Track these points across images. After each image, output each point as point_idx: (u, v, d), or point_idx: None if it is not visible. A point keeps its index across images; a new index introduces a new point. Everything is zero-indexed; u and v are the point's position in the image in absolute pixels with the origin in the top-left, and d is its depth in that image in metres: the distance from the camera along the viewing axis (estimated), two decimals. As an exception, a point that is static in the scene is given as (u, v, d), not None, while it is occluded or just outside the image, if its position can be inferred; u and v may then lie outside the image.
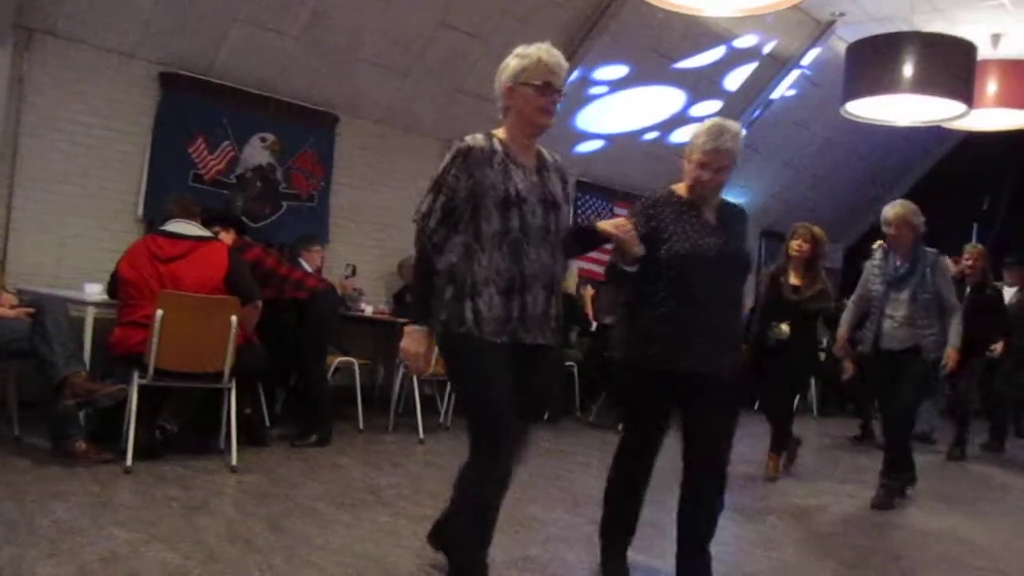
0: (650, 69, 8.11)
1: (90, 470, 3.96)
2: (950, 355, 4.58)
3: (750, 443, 5.60)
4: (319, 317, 5.26)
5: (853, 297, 5.02)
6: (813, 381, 8.73)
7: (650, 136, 8.99)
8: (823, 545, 3.91)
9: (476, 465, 2.52)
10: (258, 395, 5.12)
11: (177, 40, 5.97)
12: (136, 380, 4.10)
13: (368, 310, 6.51)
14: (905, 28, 7.66)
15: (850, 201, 11.58)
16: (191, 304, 4.18)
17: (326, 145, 6.96)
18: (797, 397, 6.92)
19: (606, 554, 3.06)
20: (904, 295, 4.59)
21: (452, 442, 5.70)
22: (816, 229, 5.26)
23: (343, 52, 6.63)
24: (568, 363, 7.22)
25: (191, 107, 6.14)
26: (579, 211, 8.83)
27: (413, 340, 2.58)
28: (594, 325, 7.66)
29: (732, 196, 2.99)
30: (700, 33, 7.97)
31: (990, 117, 8.02)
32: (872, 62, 7.17)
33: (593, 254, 6.12)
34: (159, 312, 4.04)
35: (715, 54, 8.39)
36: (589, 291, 7.99)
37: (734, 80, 8.84)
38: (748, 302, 6.83)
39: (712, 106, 8.98)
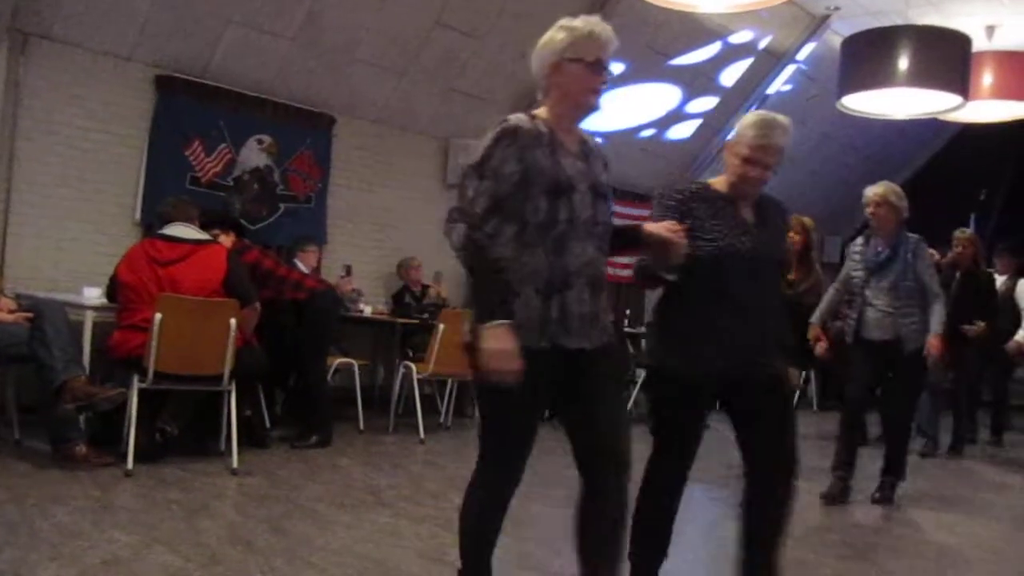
0: (646, 66, 8.10)
1: (90, 473, 3.96)
2: (932, 343, 4.44)
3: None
4: (319, 318, 5.26)
5: (835, 282, 4.93)
6: (812, 375, 8.73)
7: (647, 133, 8.99)
8: (822, 540, 3.91)
9: (480, 478, 2.36)
10: (258, 397, 5.12)
11: (173, 43, 5.96)
12: (136, 383, 4.11)
13: (367, 311, 6.51)
14: (900, 21, 7.66)
15: (847, 195, 11.52)
16: (190, 307, 4.19)
17: (323, 146, 6.96)
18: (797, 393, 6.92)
19: None
20: (885, 283, 4.50)
21: (453, 442, 5.71)
22: (806, 219, 5.24)
23: (339, 53, 6.63)
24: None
25: (187, 110, 6.14)
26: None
27: (497, 338, 2.14)
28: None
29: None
30: (695, 29, 7.97)
31: (986, 109, 8.02)
32: (867, 56, 7.18)
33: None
34: (158, 315, 4.04)
35: (711, 50, 8.38)
36: None
37: (730, 76, 8.84)
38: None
39: (708, 102, 8.99)
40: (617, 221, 2.47)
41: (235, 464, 4.26)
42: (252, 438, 4.85)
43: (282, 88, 6.62)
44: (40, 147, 5.59)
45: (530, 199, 2.22)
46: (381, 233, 7.43)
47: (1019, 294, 6.94)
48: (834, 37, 8.38)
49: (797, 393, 5.25)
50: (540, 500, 4.13)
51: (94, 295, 4.78)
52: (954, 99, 7.19)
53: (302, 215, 6.85)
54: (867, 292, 4.57)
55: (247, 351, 4.49)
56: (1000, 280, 7.00)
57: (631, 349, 7.55)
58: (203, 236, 4.56)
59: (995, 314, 6.54)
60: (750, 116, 2.68)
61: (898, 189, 4.54)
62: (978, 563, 3.74)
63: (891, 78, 7.04)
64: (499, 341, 2.15)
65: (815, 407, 9.01)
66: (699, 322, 2.62)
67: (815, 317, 4.93)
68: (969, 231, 6.71)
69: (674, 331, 2.69)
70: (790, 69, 9.07)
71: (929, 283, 4.55)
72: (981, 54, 7.61)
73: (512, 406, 2.24)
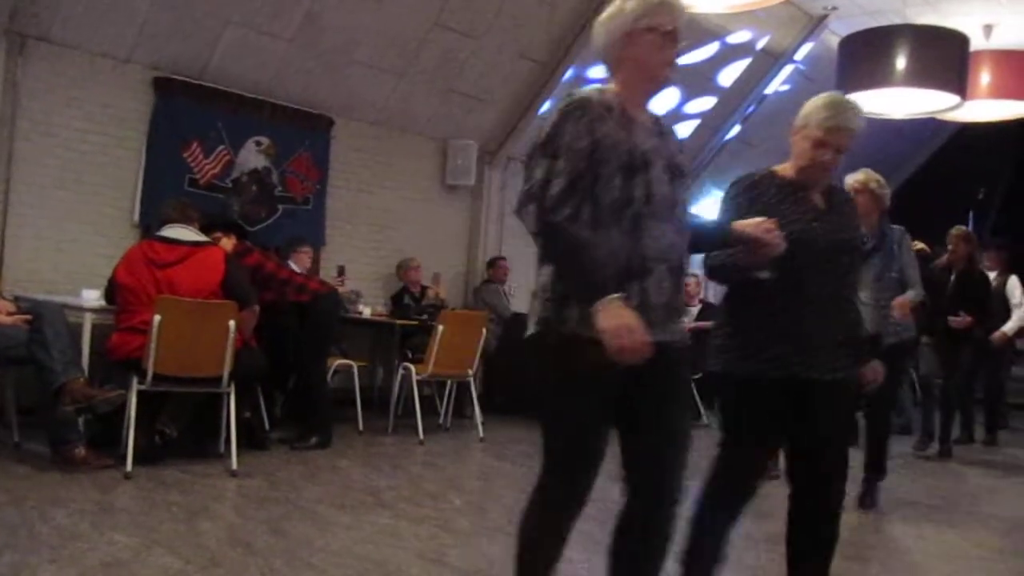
0: (644, 66, 8.11)
1: (90, 476, 3.96)
2: (898, 301, 4.38)
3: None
4: (322, 320, 5.26)
5: None
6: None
7: (645, 133, 9.00)
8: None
9: (543, 488, 2.12)
10: (257, 399, 5.12)
11: (171, 44, 5.96)
12: (135, 385, 4.11)
13: (366, 312, 6.51)
14: (897, 21, 7.67)
15: (846, 195, 11.59)
16: (189, 309, 4.19)
17: (321, 148, 6.96)
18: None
19: None
20: (870, 274, 4.34)
21: (452, 443, 5.71)
22: None
23: (337, 54, 6.63)
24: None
25: (185, 111, 6.14)
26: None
27: (613, 314, 1.89)
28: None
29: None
30: (693, 30, 7.96)
31: (984, 108, 8.03)
32: (865, 56, 7.18)
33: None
34: (157, 317, 4.04)
35: (709, 50, 8.39)
36: None
37: (728, 76, 8.85)
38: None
39: (706, 102, 9.00)
40: None
41: (235, 466, 4.26)
42: (252, 440, 4.85)
43: (280, 89, 6.62)
44: (38, 149, 5.59)
45: (603, 176, 2.00)
46: (380, 234, 7.44)
47: (1009, 290, 7.03)
48: (832, 37, 8.38)
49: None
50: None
51: (93, 297, 4.78)
52: (952, 98, 7.20)
53: (300, 216, 6.85)
54: None
55: (246, 353, 4.49)
56: (991, 276, 7.03)
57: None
58: (201, 238, 4.56)
59: (991, 315, 6.57)
60: (819, 98, 2.53)
61: (879, 177, 4.37)
62: (981, 558, 3.74)
63: (889, 78, 7.04)
64: (620, 317, 1.89)
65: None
66: (770, 320, 2.43)
67: None
68: (962, 228, 6.67)
69: (743, 331, 2.50)
70: (788, 69, 9.08)
71: (911, 274, 4.53)
72: (979, 53, 7.61)
73: (581, 409, 2.03)
